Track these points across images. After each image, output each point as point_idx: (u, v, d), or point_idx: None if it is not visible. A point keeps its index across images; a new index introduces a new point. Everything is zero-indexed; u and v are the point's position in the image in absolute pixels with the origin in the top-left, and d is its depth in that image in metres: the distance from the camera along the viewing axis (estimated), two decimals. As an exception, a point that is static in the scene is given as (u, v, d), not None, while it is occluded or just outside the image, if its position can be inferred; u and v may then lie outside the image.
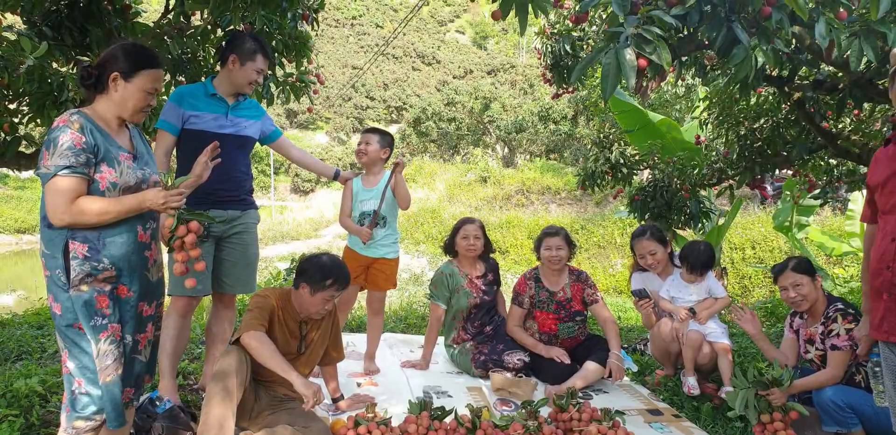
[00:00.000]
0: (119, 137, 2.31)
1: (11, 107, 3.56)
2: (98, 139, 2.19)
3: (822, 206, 6.94)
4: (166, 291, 3.26)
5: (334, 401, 3.30)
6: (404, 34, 50.81)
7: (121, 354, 2.24)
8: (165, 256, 2.54)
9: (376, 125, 43.55)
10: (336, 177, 3.87)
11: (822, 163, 5.41)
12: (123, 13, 4.10)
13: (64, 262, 2.17)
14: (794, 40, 2.90)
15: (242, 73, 3.24)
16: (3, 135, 3.48)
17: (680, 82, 14.09)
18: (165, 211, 2.20)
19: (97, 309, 2.17)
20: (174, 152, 3.32)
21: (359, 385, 3.71)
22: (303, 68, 4.48)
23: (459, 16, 63.67)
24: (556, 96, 6.70)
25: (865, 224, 2.55)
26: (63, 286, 2.18)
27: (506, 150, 33.03)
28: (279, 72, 4.41)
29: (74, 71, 3.79)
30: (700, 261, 3.75)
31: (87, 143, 2.14)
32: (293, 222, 25.34)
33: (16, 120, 3.60)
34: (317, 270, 2.86)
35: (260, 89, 4.30)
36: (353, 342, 4.46)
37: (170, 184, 2.21)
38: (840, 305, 3.12)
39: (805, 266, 3.24)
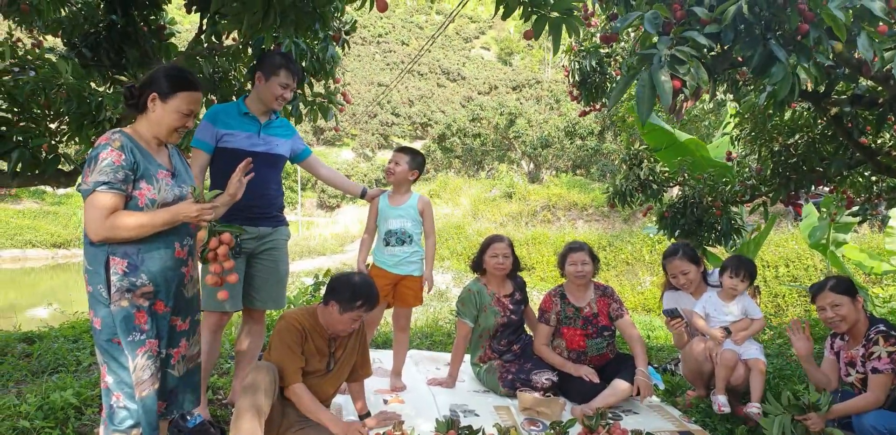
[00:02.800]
0: (158, 155, 2.37)
1: (52, 126, 3.66)
2: (137, 157, 2.25)
3: (860, 223, 6.78)
4: (201, 305, 3.32)
5: (361, 418, 3.29)
6: (430, 51, 51.30)
7: (157, 369, 2.28)
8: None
9: (402, 141, 43.94)
10: (363, 195, 3.90)
11: (861, 179, 5.30)
12: (158, 34, 4.20)
13: (105, 277, 2.22)
14: (831, 55, 2.86)
15: (267, 88, 3.29)
16: (43, 153, 3.57)
17: (707, 96, 14.00)
18: (199, 223, 2.25)
19: (136, 324, 2.22)
20: (208, 170, 3.37)
21: (385, 402, 3.69)
22: (331, 89, 4.55)
23: (485, 32, 64.15)
24: (584, 114, 6.69)
25: None
26: (104, 301, 2.23)
27: (531, 165, 32.98)
28: (307, 91, 4.47)
29: (112, 91, 3.89)
30: (744, 267, 3.68)
31: (126, 161, 2.21)
32: (319, 238, 25.55)
33: (55, 140, 3.70)
34: (347, 290, 2.88)
35: (289, 108, 4.37)
36: (380, 359, 4.44)
37: (201, 197, 2.26)
38: (882, 327, 3.03)
39: (845, 286, 3.15)
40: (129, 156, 2.23)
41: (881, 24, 2.52)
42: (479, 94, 51.09)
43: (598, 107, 6.12)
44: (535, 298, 5.47)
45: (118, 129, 2.33)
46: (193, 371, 2.54)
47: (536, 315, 4.16)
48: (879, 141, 4.70)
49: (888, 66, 2.65)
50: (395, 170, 3.85)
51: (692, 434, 3.40)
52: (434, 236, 3.98)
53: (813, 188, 5.35)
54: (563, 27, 2.79)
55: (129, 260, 2.23)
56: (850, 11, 2.41)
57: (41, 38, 4.15)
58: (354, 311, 2.87)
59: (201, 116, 3.30)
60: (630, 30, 4.95)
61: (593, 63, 5.55)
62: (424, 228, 3.92)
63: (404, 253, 3.83)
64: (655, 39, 2.33)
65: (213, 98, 4.44)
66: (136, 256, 2.24)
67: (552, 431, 3.01)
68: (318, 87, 4.54)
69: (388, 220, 3.85)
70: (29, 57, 3.48)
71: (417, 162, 3.90)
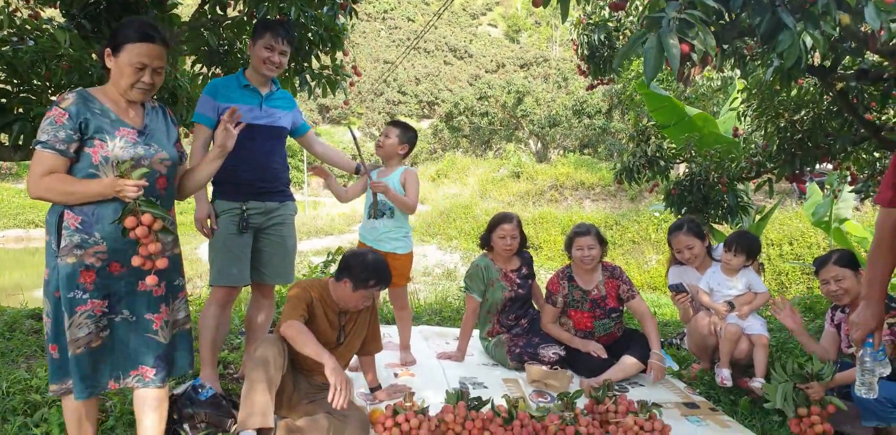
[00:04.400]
0: (124, 113, 2.29)
1: (53, 99, 3.65)
2: (89, 115, 2.19)
3: (862, 200, 6.76)
4: (209, 280, 3.34)
5: (372, 391, 3.34)
6: (436, 28, 50.76)
7: (100, 329, 2.23)
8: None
9: (409, 120, 43.72)
10: (358, 171, 3.85)
11: (865, 155, 5.28)
12: (160, 5, 4.14)
13: (57, 230, 2.19)
14: (838, 28, 2.83)
15: (255, 51, 3.24)
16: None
17: (717, 75, 13.88)
18: (123, 199, 2.14)
19: (79, 283, 2.18)
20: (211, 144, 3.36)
21: (396, 375, 3.74)
22: (338, 62, 4.50)
23: (492, 9, 63.38)
24: (592, 88, 6.66)
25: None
26: (53, 254, 2.20)
27: (539, 144, 32.85)
28: (315, 64, 4.42)
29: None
30: (744, 245, 3.69)
31: (71, 120, 2.15)
32: (326, 217, 25.56)
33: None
34: (361, 269, 2.89)
35: (297, 81, 4.33)
36: (390, 334, 4.48)
37: (127, 173, 2.15)
38: (884, 299, 3.05)
39: (848, 259, 3.17)
40: (77, 114, 2.17)
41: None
42: (486, 72, 50.62)
43: (605, 81, 6.09)
44: (543, 278, 5.49)
45: (80, 88, 2.27)
46: (183, 336, 2.49)
47: (543, 294, 4.17)
48: (884, 117, 4.68)
49: (895, 40, 2.63)
50: (384, 142, 3.76)
51: (697, 405, 3.45)
52: (411, 202, 3.73)
53: (818, 166, 5.33)
54: (572, -6, 2.76)
55: (83, 217, 2.18)
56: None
57: (38, 10, 4.09)
58: (367, 289, 2.91)
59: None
60: (638, 4, 4.91)
61: (601, 37, 5.51)
62: (406, 196, 3.73)
63: (385, 227, 3.73)
64: (664, 4, 2.31)
65: (219, 71, 4.40)
66: (92, 214, 2.19)
67: (560, 403, 3.05)
68: (326, 60, 4.48)
69: (371, 191, 3.74)
70: (28, 27, 3.44)
71: (408, 136, 3.79)
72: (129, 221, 2.13)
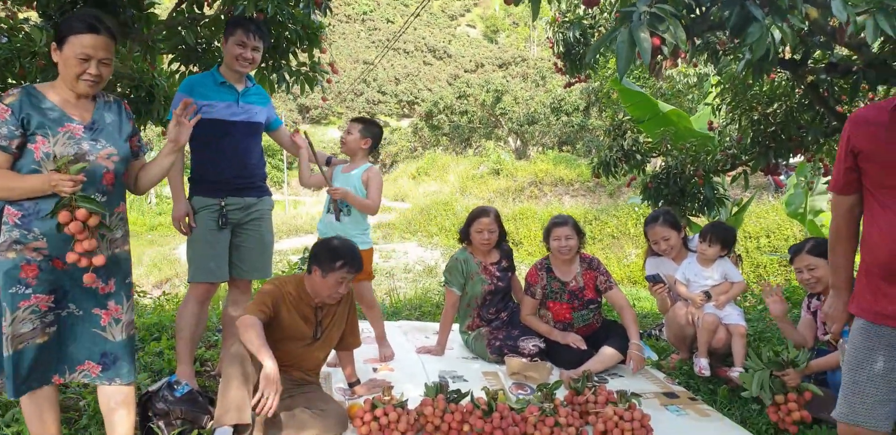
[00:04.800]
0: (72, 108, 2.27)
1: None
2: (31, 111, 2.17)
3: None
4: (188, 277, 3.32)
5: (350, 385, 3.34)
6: (415, 29, 50.73)
7: (45, 324, 2.20)
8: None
9: (389, 119, 43.60)
10: (329, 163, 3.85)
11: (837, 147, 5.37)
12: (138, 4, 4.12)
13: None
14: (806, 22, 2.88)
15: (227, 49, 3.25)
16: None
17: (692, 71, 14.01)
18: (59, 193, 2.11)
19: (21, 278, 2.15)
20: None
21: (375, 370, 3.74)
22: (315, 59, 4.50)
23: (470, 10, 63.42)
24: (569, 85, 6.70)
25: (833, 194, 2.26)
26: None
27: (518, 142, 32.93)
28: (292, 61, 4.43)
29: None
30: (719, 235, 3.73)
31: (13, 116, 2.14)
32: (306, 216, 25.40)
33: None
34: (327, 253, 2.90)
35: (274, 77, 4.32)
36: (369, 329, 4.47)
37: (64, 167, 2.12)
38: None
39: (822, 249, 3.22)
40: (19, 110, 2.15)
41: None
42: (465, 71, 50.59)
43: (583, 78, 6.13)
44: (523, 274, 5.50)
45: (28, 84, 2.25)
46: (133, 339, 2.44)
47: (523, 285, 4.19)
48: (854, 109, 4.75)
49: (861, 34, 2.67)
50: (346, 139, 3.76)
51: (676, 395, 3.49)
52: (373, 203, 3.69)
53: (791, 158, 5.41)
54: (543, -8, 2.79)
55: (24, 212, 2.16)
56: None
57: (15, 10, 4.06)
58: (336, 272, 2.88)
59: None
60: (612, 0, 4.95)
61: (577, 34, 5.55)
62: (368, 197, 3.70)
63: (342, 225, 3.69)
64: (635, -1, 2.34)
65: (195, 69, 4.39)
66: (33, 209, 2.17)
67: (539, 394, 3.07)
68: (304, 58, 4.49)
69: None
70: (3, 26, 3.41)
71: (371, 131, 3.76)
72: (63, 216, 2.09)
